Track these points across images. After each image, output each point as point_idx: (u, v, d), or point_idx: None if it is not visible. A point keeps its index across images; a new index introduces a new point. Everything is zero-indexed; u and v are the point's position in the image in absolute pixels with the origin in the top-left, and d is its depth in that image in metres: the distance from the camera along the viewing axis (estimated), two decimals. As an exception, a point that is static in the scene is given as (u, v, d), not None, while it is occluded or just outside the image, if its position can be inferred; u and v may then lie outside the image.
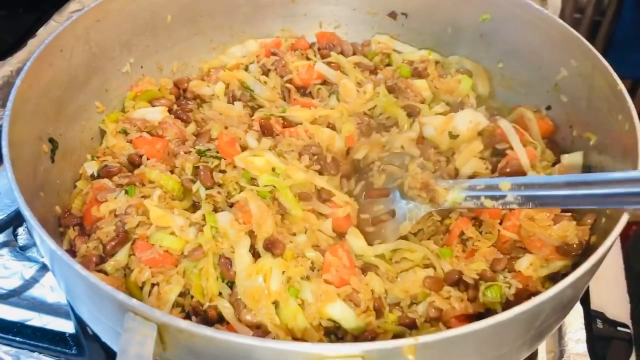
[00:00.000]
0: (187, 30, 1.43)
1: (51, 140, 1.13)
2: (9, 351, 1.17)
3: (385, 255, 1.07)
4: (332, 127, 1.26)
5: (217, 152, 1.16)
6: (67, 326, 1.19)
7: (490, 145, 1.22)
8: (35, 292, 1.28)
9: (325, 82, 1.41)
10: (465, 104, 1.34)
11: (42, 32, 1.96)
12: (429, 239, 1.14)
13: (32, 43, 1.91)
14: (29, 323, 1.20)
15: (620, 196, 0.89)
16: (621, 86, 1.06)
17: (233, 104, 1.36)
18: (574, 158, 1.16)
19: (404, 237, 1.13)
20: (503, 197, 1.01)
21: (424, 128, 1.25)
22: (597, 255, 0.82)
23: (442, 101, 1.35)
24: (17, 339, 1.16)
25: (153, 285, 0.98)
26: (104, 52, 1.27)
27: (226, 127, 1.27)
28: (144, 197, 1.08)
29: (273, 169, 1.11)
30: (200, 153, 1.16)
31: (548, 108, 1.29)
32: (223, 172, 1.12)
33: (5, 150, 0.92)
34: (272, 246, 0.98)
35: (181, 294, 0.98)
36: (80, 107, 1.23)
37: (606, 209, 1.01)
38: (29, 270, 1.31)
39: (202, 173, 1.10)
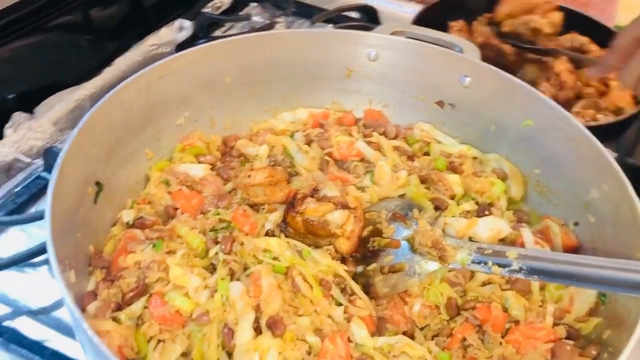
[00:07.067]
0: (244, 91, 1.52)
1: (97, 183, 1.22)
2: (27, 369, 1.26)
3: (384, 349, 1.10)
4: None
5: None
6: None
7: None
8: (61, 313, 1.36)
9: (363, 160, 1.46)
10: (494, 206, 1.36)
11: (118, 61, 2.11)
12: (432, 337, 1.17)
13: (107, 71, 2.06)
14: (48, 344, 1.28)
15: (623, 282, 0.97)
16: (644, 222, 1.06)
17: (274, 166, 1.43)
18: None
19: (410, 334, 1.16)
20: (509, 264, 1.10)
21: (447, 227, 1.28)
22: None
23: (471, 199, 1.37)
24: (37, 357, 1.25)
25: (159, 341, 1.05)
26: (161, 106, 1.37)
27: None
28: (170, 252, 1.15)
29: (300, 252, 1.17)
30: (216, 230, 1.23)
31: (576, 224, 1.29)
32: (242, 244, 1.18)
33: (49, 196, 1.01)
34: (274, 326, 1.03)
35: (183, 354, 1.04)
36: (131, 153, 1.33)
37: (609, 345, 1.03)
38: (61, 290, 1.40)
39: (222, 245, 1.17)
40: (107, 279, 1.13)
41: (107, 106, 1.22)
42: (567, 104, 1.81)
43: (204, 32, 2.30)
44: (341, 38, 1.51)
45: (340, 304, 1.14)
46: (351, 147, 1.46)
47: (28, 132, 1.74)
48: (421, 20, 2.04)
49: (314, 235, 1.20)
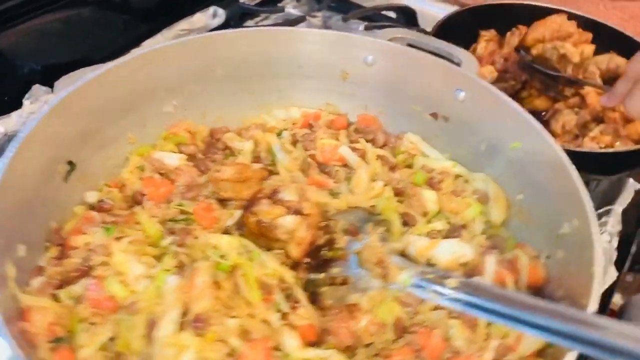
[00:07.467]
0: (237, 85, 1.51)
1: (70, 163, 1.26)
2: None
3: (313, 361, 1.08)
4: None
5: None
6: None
7: (469, 279, 1.19)
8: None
9: (346, 165, 1.44)
10: (468, 229, 1.30)
11: (146, 43, 2.15)
12: (374, 356, 1.14)
13: (134, 52, 2.10)
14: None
15: (565, 335, 0.89)
16: (595, 269, 0.99)
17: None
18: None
19: (353, 349, 1.13)
20: (447, 293, 1.05)
21: (409, 245, 1.23)
22: None
23: (445, 218, 1.32)
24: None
25: (91, 323, 1.07)
26: (148, 92, 1.39)
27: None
28: (121, 237, 1.17)
29: (249, 253, 1.16)
30: (175, 221, 1.24)
31: (548, 257, 1.22)
32: (196, 238, 1.18)
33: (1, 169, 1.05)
34: (198, 324, 1.03)
35: (112, 339, 1.06)
36: (112, 136, 1.35)
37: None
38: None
39: (176, 237, 1.18)
40: (58, 257, 1.17)
41: (85, 89, 1.25)
42: (585, 127, 1.71)
43: (236, 21, 2.32)
44: (337, 40, 1.48)
45: (279, 310, 1.13)
46: (335, 151, 1.43)
47: (44, 105, 1.81)
48: (450, 23, 1.97)
49: (266, 237, 1.19)
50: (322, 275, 1.19)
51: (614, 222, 1.73)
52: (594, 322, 0.89)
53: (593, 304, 0.95)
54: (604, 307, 1.54)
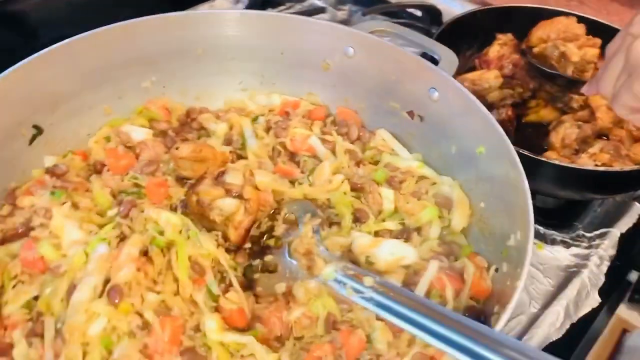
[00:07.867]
0: (218, 66, 1.52)
1: (36, 127, 1.30)
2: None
3: (231, 346, 1.07)
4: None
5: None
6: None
7: (409, 283, 1.14)
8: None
9: (315, 156, 1.41)
10: (422, 231, 1.25)
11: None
12: (300, 349, 1.11)
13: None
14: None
15: (463, 349, 0.87)
16: (519, 284, 0.94)
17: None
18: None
19: (283, 340, 1.11)
20: (362, 292, 1.03)
21: (353, 242, 1.20)
22: None
23: (400, 218, 1.27)
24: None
25: (20, 281, 1.10)
26: (123, 66, 1.41)
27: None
28: (66, 203, 1.19)
29: (188, 231, 1.16)
30: (127, 193, 1.25)
31: (496, 270, 1.16)
32: (142, 211, 1.19)
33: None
34: (112, 294, 1.03)
35: (37, 298, 1.08)
36: (84, 106, 1.38)
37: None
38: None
39: (121, 208, 1.19)
40: (5, 215, 1.20)
41: (51, 56, 1.28)
42: (584, 142, 1.61)
43: (258, 7, 2.32)
44: (317, 28, 1.45)
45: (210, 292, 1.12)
46: (305, 141, 1.41)
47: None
48: (464, 23, 1.90)
49: (205, 218, 1.19)
50: (258, 262, 1.18)
51: (608, 246, 1.64)
52: (495, 339, 0.85)
53: (502, 320, 0.89)
54: (581, 334, 1.47)
